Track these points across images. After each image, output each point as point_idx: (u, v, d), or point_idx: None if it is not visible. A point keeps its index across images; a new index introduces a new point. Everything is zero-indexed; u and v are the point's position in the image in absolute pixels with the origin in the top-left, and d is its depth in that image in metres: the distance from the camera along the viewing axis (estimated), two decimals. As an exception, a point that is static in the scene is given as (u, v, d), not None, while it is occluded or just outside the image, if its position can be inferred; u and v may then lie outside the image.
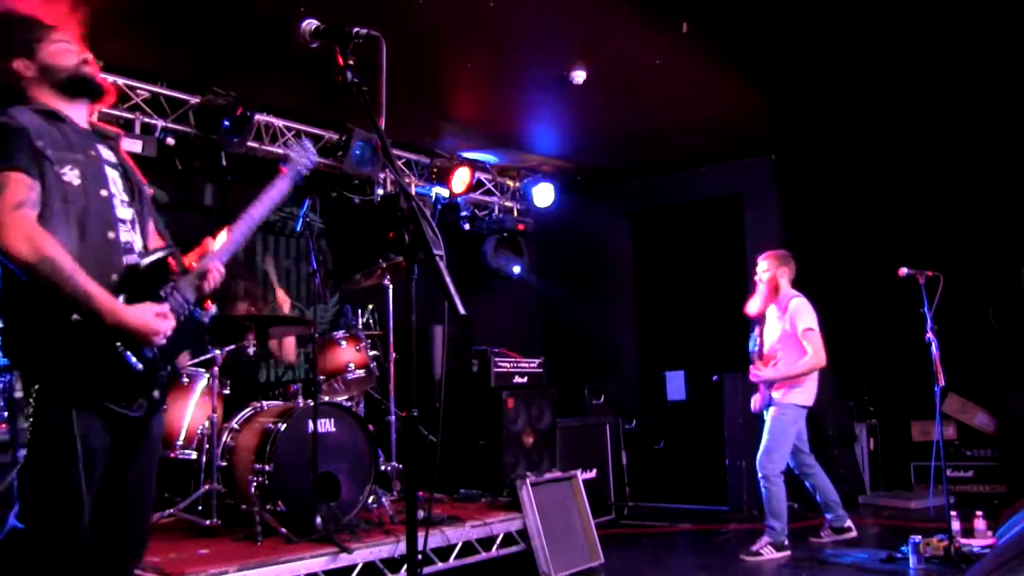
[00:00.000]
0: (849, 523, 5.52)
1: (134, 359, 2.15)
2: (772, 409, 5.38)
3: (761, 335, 5.60)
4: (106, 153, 2.34)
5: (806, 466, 5.51)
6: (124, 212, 2.30)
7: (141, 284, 2.21)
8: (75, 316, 2.06)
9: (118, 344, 2.12)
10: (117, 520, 2.26)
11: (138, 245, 2.32)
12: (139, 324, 2.14)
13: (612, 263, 8.74)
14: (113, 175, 2.32)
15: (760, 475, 5.29)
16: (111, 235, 2.22)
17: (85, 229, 2.17)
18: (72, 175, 2.17)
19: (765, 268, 5.57)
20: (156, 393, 2.24)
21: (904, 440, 7.65)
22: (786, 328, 5.41)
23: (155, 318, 2.17)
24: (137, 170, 2.45)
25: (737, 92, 6.15)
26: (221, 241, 2.45)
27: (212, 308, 2.52)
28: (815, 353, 5.26)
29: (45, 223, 2.09)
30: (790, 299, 5.45)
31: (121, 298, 2.15)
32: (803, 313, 5.36)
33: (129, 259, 2.25)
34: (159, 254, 2.26)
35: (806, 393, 5.36)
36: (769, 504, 5.25)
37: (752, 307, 5.63)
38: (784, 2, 4.79)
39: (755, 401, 5.61)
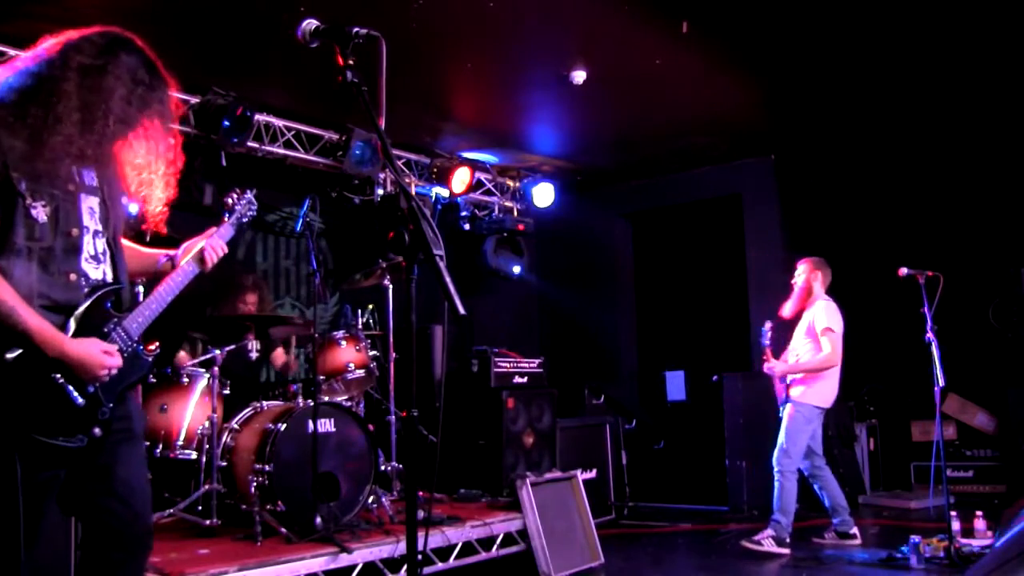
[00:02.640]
0: (855, 530, 5.51)
1: (75, 393, 2.12)
2: (789, 407, 5.42)
3: (777, 336, 5.66)
4: (88, 177, 2.28)
5: (817, 468, 5.53)
6: (95, 245, 2.26)
7: (85, 321, 2.18)
8: (8, 355, 2.03)
9: (57, 376, 2.10)
10: (113, 520, 2.26)
11: (109, 277, 2.30)
12: (83, 356, 2.11)
13: (612, 263, 8.73)
14: (91, 203, 2.26)
15: (776, 470, 5.33)
16: (73, 277, 2.18)
17: (47, 267, 2.13)
18: (42, 212, 2.12)
19: (800, 272, 5.66)
20: (97, 430, 2.18)
21: (904, 440, 7.65)
22: (809, 328, 5.49)
23: (101, 353, 2.15)
24: (123, 179, 2.38)
25: (737, 92, 6.15)
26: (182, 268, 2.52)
27: (155, 348, 2.53)
28: (832, 351, 5.34)
29: (4, 257, 2.07)
30: (816, 301, 5.55)
31: (70, 331, 2.13)
32: (826, 313, 5.45)
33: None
34: (100, 292, 2.23)
35: (822, 394, 5.40)
36: (779, 499, 5.29)
37: (786, 310, 5.69)
38: (784, 2, 4.80)
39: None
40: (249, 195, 2.86)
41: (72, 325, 2.14)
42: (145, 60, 2.32)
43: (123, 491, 2.27)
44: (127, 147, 2.31)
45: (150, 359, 2.37)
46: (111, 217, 2.33)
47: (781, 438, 5.38)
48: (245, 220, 2.85)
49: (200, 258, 2.55)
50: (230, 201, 2.81)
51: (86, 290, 2.21)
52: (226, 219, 2.77)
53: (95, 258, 2.26)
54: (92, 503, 2.26)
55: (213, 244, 2.58)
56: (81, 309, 2.18)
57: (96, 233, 2.27)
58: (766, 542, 5.21)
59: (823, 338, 5.38)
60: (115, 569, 2.29)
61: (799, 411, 5.38)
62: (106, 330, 2.23)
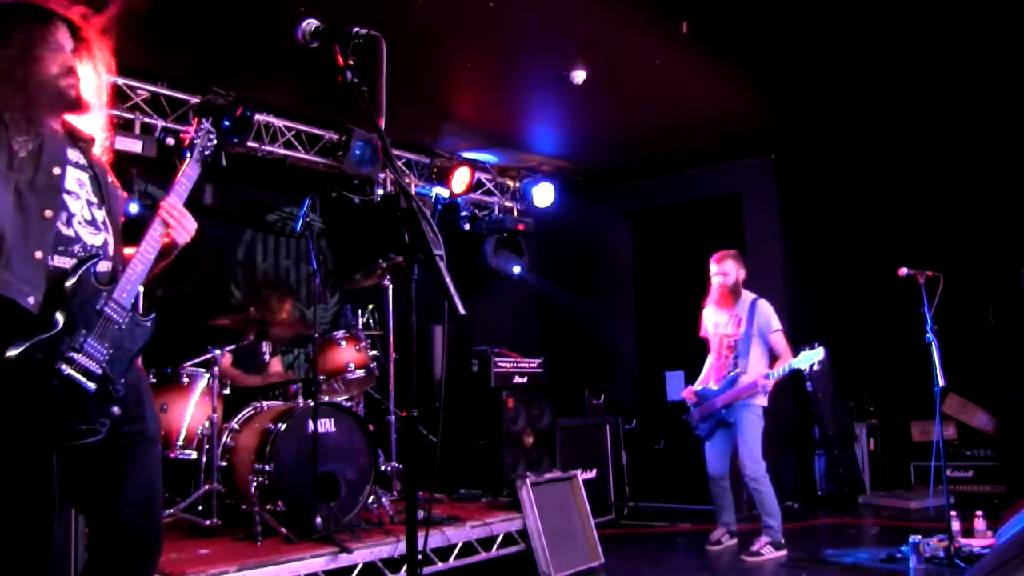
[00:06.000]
0: (783, 539, 5.48)
1: (84, 380, 2.10)
2: (743, 412, 5.33)
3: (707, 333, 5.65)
4: (74, 156, 2.26)
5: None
6: (91, 212, 2.24)
7: (76, 302, 2.13)
8: (10, 352, 1.99)
9: (63, 367, 2.06)
10: (126, 525, 2.24)
11: (111, 249, 2.27)
12: None
13: (612, 263, 8.73)
14: (79, 176, 2.25)
15: (749, 479, 5.28)
16: (48, 213, 2.13)
17: (23, 198, 2.09)
18: (23, 148, 2.11)
19: (727, 270, 5.54)
20: (115, 409, 2.15)
21: (904, 440, 7.65)
22: (751, 330, 5.42)
23: None
24: (112, 173, 2.37)
25: (737, 92, 6.15)
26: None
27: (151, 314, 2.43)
28: (787, 352, 5.33)
29: None
30: (752, 300, 5.50)
31: (59, 324, 2.08)
32: (773, 315, 5.45)
33: (77, 257, 2.17)
34: (84, 265, 2.16)
35: (767, 395, 5.38)
36: (764, 504, 5.26)
37: (715, 311, 5.63)
38: (784, 3, 4.80)
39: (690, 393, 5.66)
40: (206, 124, 2.60)
41: (61, 319, 2.08)
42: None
43: (136, 496, 2.25)
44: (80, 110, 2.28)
45: (149, 323, 2.30)
46: (106, 194, 2.31)
47: (747, 444, 5.28)
48: (208, 152, 2.57)
49: (162, 220, 2.36)
50: (187, 137, 2.59)
51: (77, 251, 2.17)
52: (188, 157, 2.52)
53: (92, 223, 2.24)
54: (104, 506, 2.23)
55: (168, 203, 2.37)
56: (69, 286, 2.12)
57: (90, 203, 2.25)
58: (765, 550, 5.19)
59: (775, 337, 5.37)
60: (123, 575, 2.27)
61: (755, 413, 5.33)
62: (99, 307, 2.17)
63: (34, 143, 2.14)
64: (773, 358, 5.41)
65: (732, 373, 5.41)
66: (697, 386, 5.69)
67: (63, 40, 2.26)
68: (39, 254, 2.11)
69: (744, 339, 5.42)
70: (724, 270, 5.55)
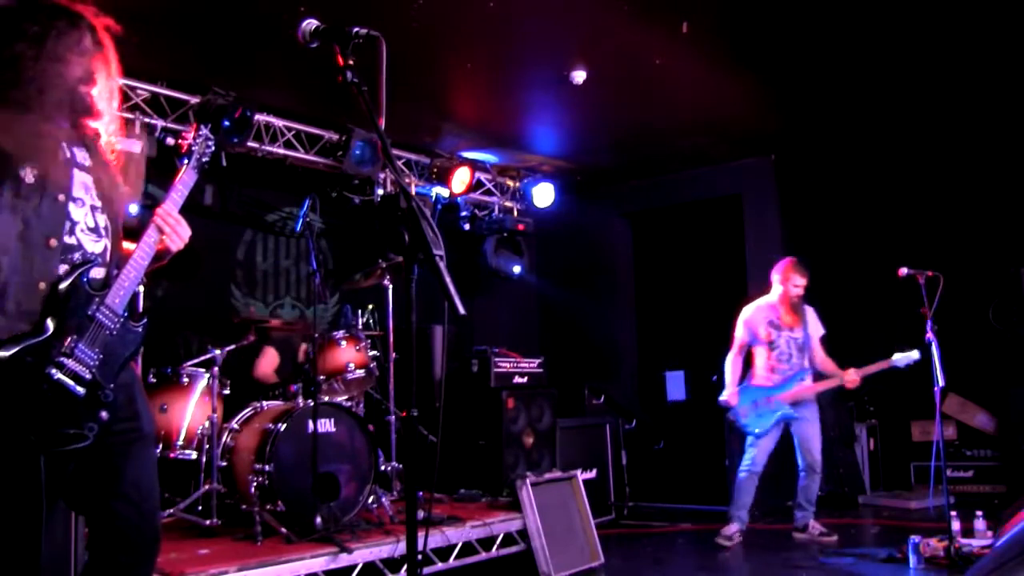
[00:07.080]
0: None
1: (73, 384, 2.10)
2: (809, 408, 5.61)
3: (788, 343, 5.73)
4: (80, 156, 2.27)
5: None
6: (94, 219, 2.24)
7: (67, 308, 2.13)
8: (2, 354, 2.00)
9: (53, 371, 2.07)
10: (123, 523, 2.24)
11: (109, 253, 2.28)
12: None
13: (612, 263, 8.73)
14: (85, 179, 2.25)
15: (820, 467, 5.57)
16: (54, 242, 2.14)
17: (29, 227, 2.10)
18: (29, 173, 2.12)
19: (806, 283, 5.70)
20: (104, 414, 2.15)
21: (904, 440, 7.65)
22: (808, 332, 5.70)
23: None
24: (117, 171, 2.38)
25: (737, 92, 6.15)
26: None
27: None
28: (825, 357, 5.73)
29: None
30: (805, 307, 5.76)
31: (51, 322, 2.09)
32: (819, 321, 5.79)
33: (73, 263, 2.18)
34: (76, 273, 2.17)
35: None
36: (815, 492, 5.63)
37: (788, 318, 5.73)
38: (784, 2, 4.80)
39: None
40: (204, 130, 2.56)
41: (52, 325, 2.09)
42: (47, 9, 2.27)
43: (132, 493, 2.25)
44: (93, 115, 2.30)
45: (140, 329, 2.30)
46: (111, 196, 2.31)
47: (819, 438, 5.58)
48: (205, 159, 2.54)
49: (157, 227, 2.35)
50: (186, 143, 2.52)
51: (77, 258, 2.18)
52: (185, 164, 2.48)
53: (94, 231, 2.24)
54: (100, 504, 2.24)
55: (164, 210, 2.37)
56: (62, 290, 2.12)
57: (94, 208, 2.25)
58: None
59: (820, 343, 5.72)
60: (122, 573, 2.27)
61: (816, 408, 5.66)
62: (90, 313, 2.17)
63: (40, 168, 2.14)
64: None
65: (797, 373, 5.63)
66: (734, 387, 5.74)
67: (88, 46, 2.28)
68: (43, 285, 2.12)
69: (805, 340, 5.69)
70: (804, 283, 5.74)
